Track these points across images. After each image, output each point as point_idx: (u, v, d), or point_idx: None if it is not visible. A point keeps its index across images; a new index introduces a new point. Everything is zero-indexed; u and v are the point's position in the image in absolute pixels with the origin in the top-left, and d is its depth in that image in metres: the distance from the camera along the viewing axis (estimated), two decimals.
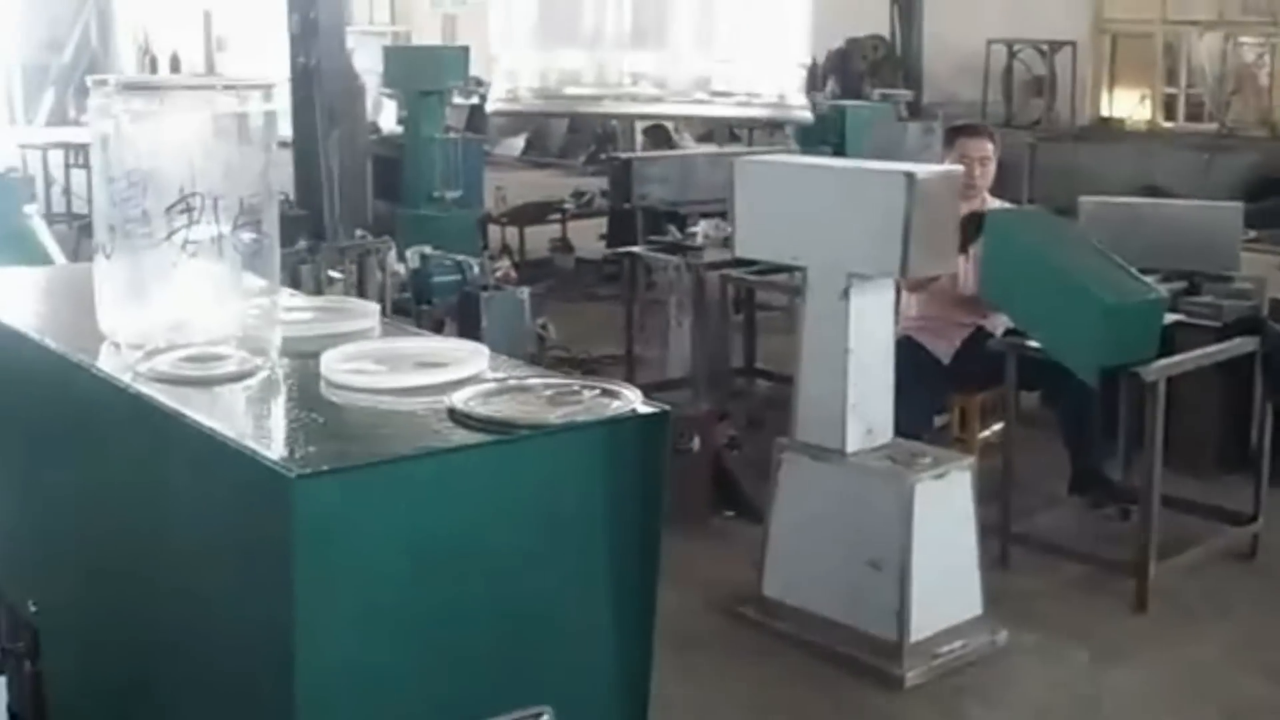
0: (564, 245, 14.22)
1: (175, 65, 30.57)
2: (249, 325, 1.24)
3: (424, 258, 8.12)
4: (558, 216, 14.42)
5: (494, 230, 14.20)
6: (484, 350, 1.18)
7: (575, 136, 23.31)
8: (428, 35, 25.15)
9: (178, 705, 1.25)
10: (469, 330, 7.70)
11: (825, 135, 10.97)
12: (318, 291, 8.31)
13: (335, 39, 12.81)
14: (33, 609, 1.56)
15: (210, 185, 1.18)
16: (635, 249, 9.50)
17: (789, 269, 6.92)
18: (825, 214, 5.35)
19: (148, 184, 1.19)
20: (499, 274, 8.29)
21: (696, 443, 7.58)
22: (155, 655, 1.28)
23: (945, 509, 5.42)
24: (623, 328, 9.20)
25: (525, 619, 1.11)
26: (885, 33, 19.26)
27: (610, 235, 12.72)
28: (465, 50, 14.74)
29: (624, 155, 12.51)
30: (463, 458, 1.10)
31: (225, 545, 1.09)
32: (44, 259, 7.01)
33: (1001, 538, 6.27)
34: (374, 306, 1.48)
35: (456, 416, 1.12)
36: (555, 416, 1.12)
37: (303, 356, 1.22)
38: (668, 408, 1.13)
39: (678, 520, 7.20)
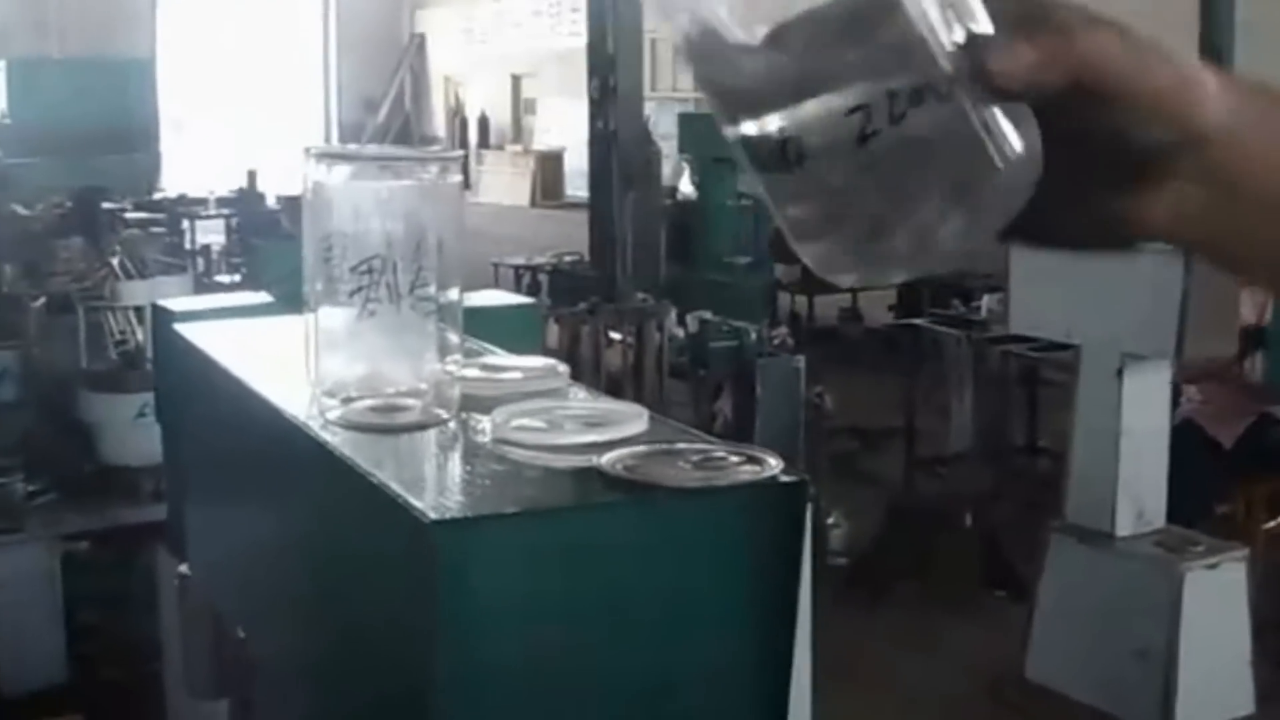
0: (853, 314, 14.20)
1: (484, 126, 31.58)
2: (438, 380, 1.32)
3: (703, 323, 8.21)
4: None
5: (784, 297, 14.26)
6: (644, 414, 1.24)
7: None
8: None
9: None
10: (744, 397, 7.75)
11: None
12: (596, 352, 8.48)
13: (633, 104, 13.11)
14: (241, 635, 1.67)
15: (393, 251, 1.27)
16: (917, 321, 9.44)
17: (1069, 346, 6.80)
18: (1101, 292, 5.25)
19: (347, 246, 1.28)
20: (776, 341, 8.33)
21: (969, 519, 7.48)
22: (328, 694, 1.37)
23: (1217, 600, 5.24)
24: (903, 400, 9.13)
25: (655, 675, 1.14)
26: None
27: (899, 306, 12.66)
28: None
29: None
30: (593, 514, 1.15)
31: (382, 583, 1.18)
32: None
33: None
34: (564, 368, 1.55)
35: (601, 475, 1.17)
36: (694, 480, 1.16)
37: (483, 412, 1.30)
38: (806, 477, 1.16)
39: (947, 595, 7.14)
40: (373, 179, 1.31)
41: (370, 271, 1.27)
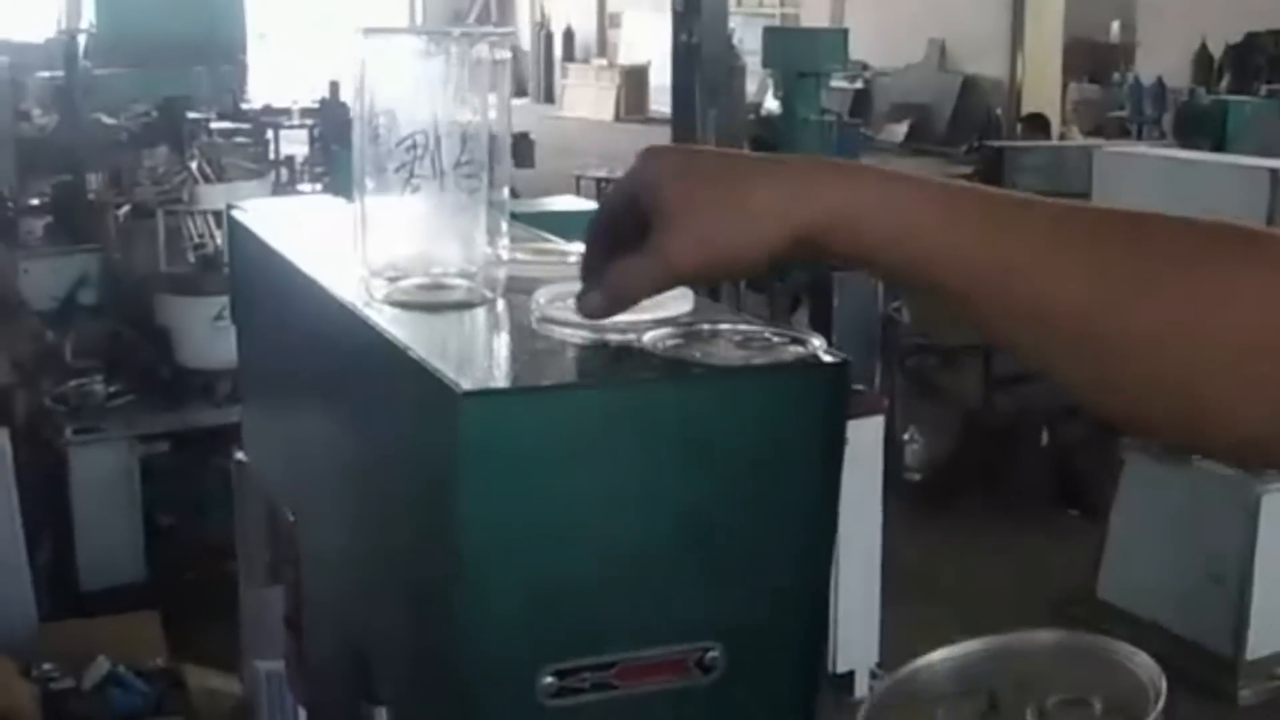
0: None
1: (569, 39, 31.48)
2: (485, 260, 1.32)
3: None
4: None
5: None
6: (690, 295, 1.23)
7: (959, 125, 23.04)
8: (816, 17, 25.13)
9: (381, 620, 1.34)
10: (820, 310, 7.72)
11: (1206, 130, 10.53)
12: None
13: (717, 18, 13.00)
14: (291, 518, 1.68)
15: (438, 126, 1.26)
16: None
17: None
18: (1183, 209, 5.15)
19: (392, 124, 1.27)
20: None
21: (1045, 438, 7.43)
22: (368, 574, 1.38)
23: None
24: None
25: (691, 555, 1.14)
26: None
27: None
28: (844, 33, 14.70)
29: (996, 144, 12.29)
30: (630, 390, 1.14)
31: (418, 457, 1.18)
32: None
33: None
34: None
35: (641, 353, 1.16)
36: (735, 359, 1.15)
37: (531, 293, 1.30)
38: (848, 358, 1.15)
39: (1020, 512, 7.11)
40: (419, 55, 1.31)
41: (415, 146, 1.27)
